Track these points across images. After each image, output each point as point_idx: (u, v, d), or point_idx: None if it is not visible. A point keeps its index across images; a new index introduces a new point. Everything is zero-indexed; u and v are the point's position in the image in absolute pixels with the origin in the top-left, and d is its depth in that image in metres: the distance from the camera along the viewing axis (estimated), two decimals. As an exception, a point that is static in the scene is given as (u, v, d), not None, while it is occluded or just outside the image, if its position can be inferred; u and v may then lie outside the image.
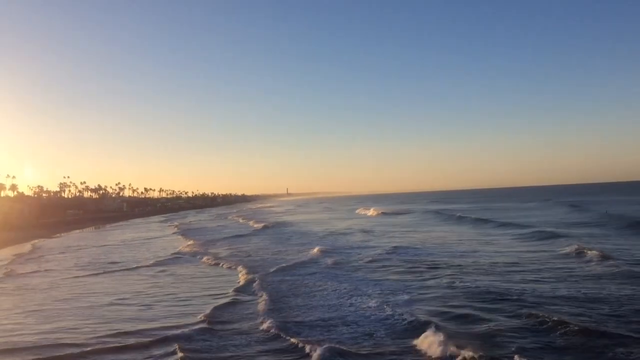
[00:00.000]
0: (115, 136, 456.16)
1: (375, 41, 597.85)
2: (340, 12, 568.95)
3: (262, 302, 18.99)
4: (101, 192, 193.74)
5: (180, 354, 13.10)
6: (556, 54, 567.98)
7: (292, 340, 13.93)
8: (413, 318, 15.27)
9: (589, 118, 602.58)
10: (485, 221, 57.08)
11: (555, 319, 14.20)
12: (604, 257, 24.77)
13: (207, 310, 17.91)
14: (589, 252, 26.56)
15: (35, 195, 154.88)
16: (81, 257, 38.99)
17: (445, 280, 21.46)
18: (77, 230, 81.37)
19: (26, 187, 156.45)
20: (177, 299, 20.77)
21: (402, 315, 15.71)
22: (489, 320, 14.68)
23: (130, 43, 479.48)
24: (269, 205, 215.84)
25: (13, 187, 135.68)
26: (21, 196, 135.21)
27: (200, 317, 16.95)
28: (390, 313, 16.18)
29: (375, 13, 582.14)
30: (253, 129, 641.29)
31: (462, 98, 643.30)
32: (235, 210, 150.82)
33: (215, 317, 16.96)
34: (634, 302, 16.15)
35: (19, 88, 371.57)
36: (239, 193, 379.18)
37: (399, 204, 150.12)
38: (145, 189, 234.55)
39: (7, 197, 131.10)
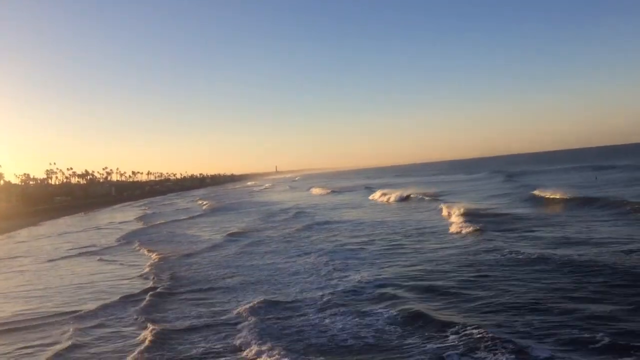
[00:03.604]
0: (101, 121, 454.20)
1: (357, 16, 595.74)
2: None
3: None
4: (88, 177, 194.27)
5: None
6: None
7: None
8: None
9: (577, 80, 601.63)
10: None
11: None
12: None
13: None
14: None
15: (22, 184, 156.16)
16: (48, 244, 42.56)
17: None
18: (67, 217, 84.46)
19: (12, 176, 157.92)
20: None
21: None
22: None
23: (113, 29, 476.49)
24: (249, 184, 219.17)
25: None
26: (7, 185, 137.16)
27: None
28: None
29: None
30: (241, 109, 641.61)
31: (452, 69, 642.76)
32: (207, 192, 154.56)
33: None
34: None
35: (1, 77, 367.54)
36: (228, 173, 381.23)
37: (362, 179, 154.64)
38: (133, 173, 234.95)
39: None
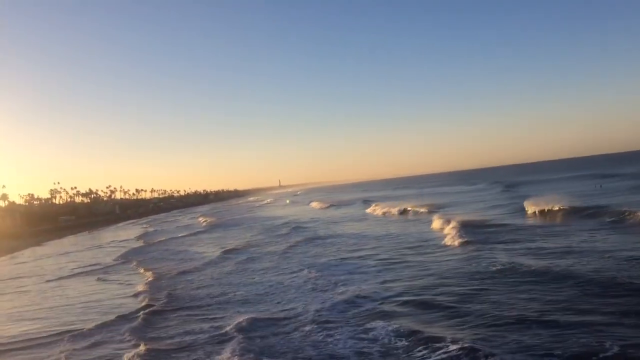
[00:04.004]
0: (105, 139, 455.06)
1: (359, 31, 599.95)
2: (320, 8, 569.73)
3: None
4: (92, 196, 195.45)
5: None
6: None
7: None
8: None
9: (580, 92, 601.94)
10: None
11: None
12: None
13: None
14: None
15: (27, 204, 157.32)
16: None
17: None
18: (71, 236, 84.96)
19: (17, 196, 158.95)
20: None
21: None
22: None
23: (116, 46, 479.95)
24: (251, 199, 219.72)
25: (4, 197, 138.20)
26: (12, 205, 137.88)
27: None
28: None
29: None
30: (244, 123, 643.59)
31: (455, 86, 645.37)
32: (210, 208, 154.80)
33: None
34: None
35: (4, 96, 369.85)
36: (232, 189, 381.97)
37: (362, 192, 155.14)
38: (137, 190, 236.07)
39: None
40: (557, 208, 37.19)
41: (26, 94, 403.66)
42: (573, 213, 35.34)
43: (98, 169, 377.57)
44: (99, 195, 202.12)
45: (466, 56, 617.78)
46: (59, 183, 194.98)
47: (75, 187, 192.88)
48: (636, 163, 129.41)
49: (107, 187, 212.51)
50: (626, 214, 30.43)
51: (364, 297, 18.15)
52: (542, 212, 37.93)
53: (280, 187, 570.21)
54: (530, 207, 40.24)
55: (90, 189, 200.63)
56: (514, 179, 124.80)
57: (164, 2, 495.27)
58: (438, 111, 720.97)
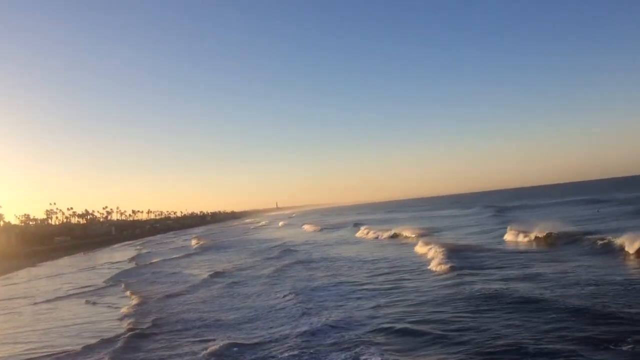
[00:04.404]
0: (102, 160, 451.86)
1: (360, 49, 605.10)
2: (319, 27, 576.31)
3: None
4: (88, 217, 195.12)
5: None
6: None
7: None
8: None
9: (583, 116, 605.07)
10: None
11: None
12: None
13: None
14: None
15: (22, 224, 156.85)
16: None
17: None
18: (66, 257, 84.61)
19: (12, 216, 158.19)
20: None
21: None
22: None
23: (111, 65, 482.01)
24: (247, 221, 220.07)
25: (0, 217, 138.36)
26: (7, 225, 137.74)
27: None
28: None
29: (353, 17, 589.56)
30: (241, 145, 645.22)
31: (454, 104, 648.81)
32: (205, 230, 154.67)
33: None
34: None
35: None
36: (229, 210, 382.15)
37: (356, 214, 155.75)
38: (134, 211, 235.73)
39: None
40: (534, 235, 37.63)
41: (22, 113, 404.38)
42: (553, 239, 35.81)
43: (95, 189, 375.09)
44: (95, 216, 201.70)
45: (463, 78, 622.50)
46: (55, 203, 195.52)
47: (72, 208, 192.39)
48: (632, 189, 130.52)
49: (103, 208, 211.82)
50: (601, 240, 31.21)
51: (337, 325, 18.26)
52: (524, 238, 38.38)
53: (278, 209, 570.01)
54: (510, 234, 40.89)
55: (86, 210, 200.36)
56: (507, 203, 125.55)
57: (157, 27, 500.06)
58: (438, 135, 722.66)
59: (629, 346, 12.89)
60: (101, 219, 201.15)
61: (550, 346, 13.51)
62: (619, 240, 29.11)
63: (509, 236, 40.96)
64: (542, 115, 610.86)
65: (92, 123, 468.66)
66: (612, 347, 13.04)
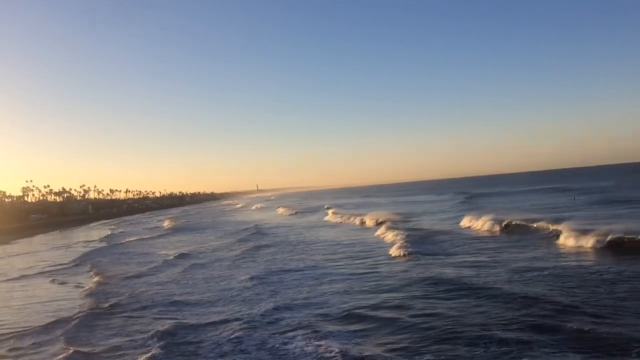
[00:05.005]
0: (80, 138, 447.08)
1: (343, 35, 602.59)
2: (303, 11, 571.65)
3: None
4: (65, 195, 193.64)
5: None
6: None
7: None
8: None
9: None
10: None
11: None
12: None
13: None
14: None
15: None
16: None
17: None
18: (42, 235, 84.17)
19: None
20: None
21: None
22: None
23: (92, 44, 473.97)
24: (224, 203, 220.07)
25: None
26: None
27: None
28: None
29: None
30: (223, 126, 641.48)
31: (434, 90, 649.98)
32: (182, 211, 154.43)
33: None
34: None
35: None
36: (209, 191, 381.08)
37: (334, 198, 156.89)
38: (111, 190, 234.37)
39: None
40: (490, 223, 38.39)
41: None
42: (512, 227, 36.65)
43: (72, 168, 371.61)
44: (72, 195, 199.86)
45: (448, 66, 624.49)
46: (31, 181, 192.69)
47: (48, 186, 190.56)
48: (610, 177, 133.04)
49: (80, 187, 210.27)
50: (550, 229, 32.31)
51: (289, 307, 18.76)
52: (481, 225, 39.26)
53: (258, 191, 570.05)
54: (467, 221, 42.03)
55: (63, 188, 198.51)
56: (481, 190, 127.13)
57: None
58: (419, 121, 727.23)
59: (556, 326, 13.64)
60: (78, 198, 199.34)
61: (474, 329, 14.23)
62: (560, 229, 30.21)
63: (465, 223, 41.85)
64: (526, 103, 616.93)
65: (71, 100, 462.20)
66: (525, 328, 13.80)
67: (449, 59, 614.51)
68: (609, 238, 25.75)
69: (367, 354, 13.10)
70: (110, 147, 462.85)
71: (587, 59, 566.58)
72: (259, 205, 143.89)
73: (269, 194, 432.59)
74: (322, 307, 18.53)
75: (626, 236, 25.61)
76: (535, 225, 34.53)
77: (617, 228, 27.33)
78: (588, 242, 26.52)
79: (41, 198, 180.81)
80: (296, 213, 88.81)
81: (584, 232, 27.99)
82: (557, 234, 30.35)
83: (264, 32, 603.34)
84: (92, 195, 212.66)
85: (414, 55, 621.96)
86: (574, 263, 23.18)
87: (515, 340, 13.18)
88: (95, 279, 29.37)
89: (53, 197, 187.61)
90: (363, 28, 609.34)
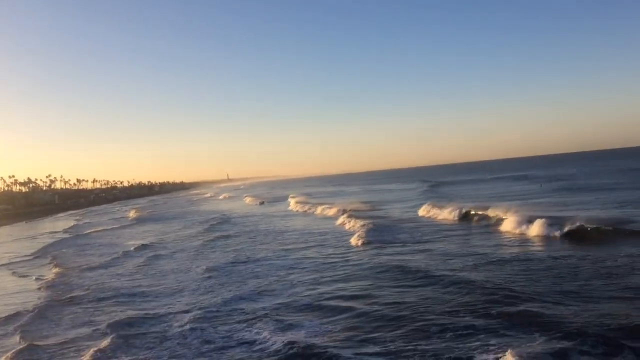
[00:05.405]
0: (46, 127, 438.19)
1: (318, 23, 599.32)
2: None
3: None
4: (31, 185, 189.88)
5: None
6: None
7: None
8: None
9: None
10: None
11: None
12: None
13: None
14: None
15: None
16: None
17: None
18: (7, 226, 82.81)
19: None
20: None
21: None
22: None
23: (62, 30, 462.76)
24: (193, 192, 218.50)
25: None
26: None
27: None
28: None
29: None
30: (192, 114, 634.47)
31: (417, 75, 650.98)
32: (149, 201, 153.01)
33: None
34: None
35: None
36: (178, 181, 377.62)
37: (303, 187, 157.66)
38: (78, 180, 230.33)
39: None
40: (446, 211, 39.36)
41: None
42: (469, 215, 37.70)
43: (38, 158, 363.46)
44: (38, 185, 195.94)
45: (420, 52, 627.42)
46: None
47: (13, 176, 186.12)
48: (575, 165, 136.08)
49: (46, 177, 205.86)
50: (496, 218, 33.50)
51: (244, 297, 19.04)
52: (438, 213, 40.22)
53: (229, 180, 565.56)
54: (425, 209, 42.96)
55: (28, 178, 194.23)
56: (448, 178, 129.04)
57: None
58: (392, 109, 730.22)
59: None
60: (44, 188, 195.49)
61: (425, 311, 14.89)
62: (510, 216, 31.36)
63: (423, 211, 42.70)
64: (496, 91, 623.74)
65: (37, 88, 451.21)
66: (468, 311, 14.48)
67: (423, 46, 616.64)
68: (567, 229, 26.21)
69: (311, 342, 13.52)
70: (77, 136, 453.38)
71: (551, 48, 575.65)
72: (227, 195, 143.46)
73: (238, 182, 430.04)
74: (279, 297, 18.87)
75: (588, 225, 26.20)
76: (489, 214, 35.41)
77: (568, 215, 28.49)
78: (535, 229, 27.45)
79: (6, 189, 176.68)
80: (263, 203, 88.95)
81: (530, 220, 28.93)
82: (500, 222, 31.78)
83: (238, 19, 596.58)
84: (58, 185, 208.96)
85: (387, 43, 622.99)
86: (517, 249, 24.14)
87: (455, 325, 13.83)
88: (56, 270, 29.32)
89: (18, 187, 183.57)
90: (330, 16, 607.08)
